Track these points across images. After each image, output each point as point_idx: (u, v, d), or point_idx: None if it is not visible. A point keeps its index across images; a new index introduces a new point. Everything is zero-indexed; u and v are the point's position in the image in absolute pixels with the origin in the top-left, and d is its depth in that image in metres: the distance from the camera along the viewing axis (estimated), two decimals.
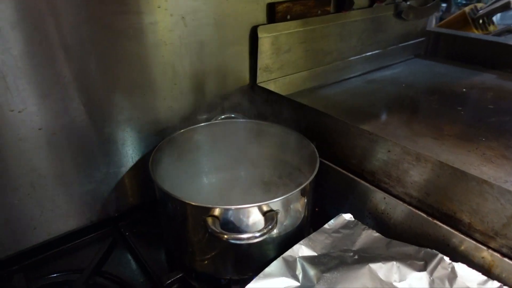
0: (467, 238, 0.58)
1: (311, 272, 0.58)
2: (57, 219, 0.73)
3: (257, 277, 0.56)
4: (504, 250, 0.55)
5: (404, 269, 0.57)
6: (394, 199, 0.67)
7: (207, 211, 0.56)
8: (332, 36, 0.99)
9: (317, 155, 0.69)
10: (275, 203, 0.58)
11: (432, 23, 1.49)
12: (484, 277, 0.55)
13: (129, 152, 0.78)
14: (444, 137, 0.74)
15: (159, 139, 0.77)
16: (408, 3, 1.12)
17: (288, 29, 0.89)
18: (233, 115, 0.84)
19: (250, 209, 0.57)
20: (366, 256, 0.61)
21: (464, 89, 0.99)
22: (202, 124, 0.79)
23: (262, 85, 0.90)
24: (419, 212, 0.63)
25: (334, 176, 0.76)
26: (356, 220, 0.69)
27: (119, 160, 0.77)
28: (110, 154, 0.75)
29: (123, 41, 0.68)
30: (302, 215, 0.67)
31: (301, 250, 0.62)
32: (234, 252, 0.63)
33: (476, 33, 1.45)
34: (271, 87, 0.91)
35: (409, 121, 0.83)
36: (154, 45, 0.72)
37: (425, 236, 0.63)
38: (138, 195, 0.83)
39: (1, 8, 0.56)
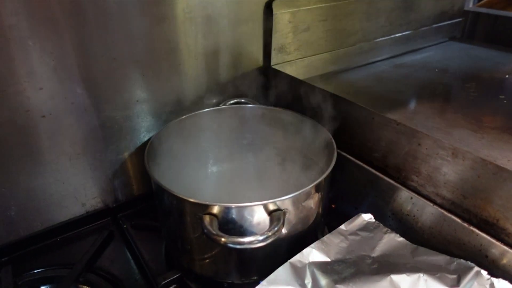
0: (511, 250, 0.49)
1: (322, 281, 0.51)
2: (50, 209, 0.68)
3: (259, 285, 0.49)
4: None
5: (433, 284, 0.49)
6: (423, 199, 0.58)
7: (204, 208, 0.50)
8: (357, 14, 0.90)
9: (335, 147, 0.62)
10: (283, 202, 0.51)
11: (470, 3, 1.36)
12: None
13: (130, 138, 0.72)
14: (484, 129, 0.64)
15: (162, 124, 0.71)
16: None
17: (307, 4, 0.81)
18: (243, 100, 0.78)
19: (254, 207, 0.50)
20: (388, 265, 0.53)
21: (507, 76, 0.88)
22: (207, 109, 0.73)
23: (276, 67, 0.82)
24: (453, 217, 0.54)
25: (353, 170, 0.68)
26: (377, 222, 0.61)
27: (119, 146, 0.71)
28: (109, 139, 0.70)
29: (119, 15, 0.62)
30: (315, 214, 0.59)
31: (312, 254, 0.54)
32: (237, 253, 0.56)
33: None
34: (287, 70, 0.84)
35: (443, 110, 0.73)
36: (155, 19, 0.65)
37: (458, 244, 0.54)
38: (141, 185, 0.78)
39: None
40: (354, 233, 0.59)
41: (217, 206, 0.49)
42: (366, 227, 0.60)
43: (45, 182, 0.66)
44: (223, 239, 0.46)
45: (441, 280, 0.49)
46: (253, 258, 0.57)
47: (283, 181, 0.72)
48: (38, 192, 0.66)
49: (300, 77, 0.81)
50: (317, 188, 0.56)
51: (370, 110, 0.64)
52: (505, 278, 0.48)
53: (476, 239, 0.52)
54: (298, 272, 0.51)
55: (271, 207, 0.50)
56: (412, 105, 0.77)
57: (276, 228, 0.48)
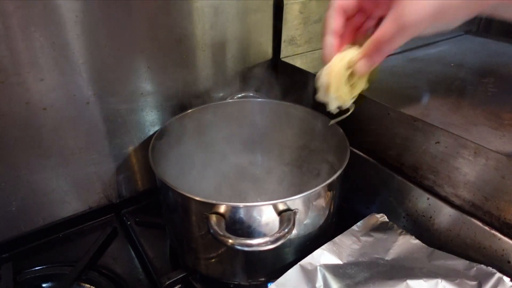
0: None
1: (334, 286, 0.48)
2: (51, 204, 0.66)
3: None
4: None
5: None
6: (440, 200, 0.56)
7: (211, 207, 0.47)
8: None
9: (348, 144, 0.59)
10: (294, 201, 0.48)
11: None
12: None
13: (134, 132, 0.70)
14: (504, 127, 0.61)
15: (167, 118, 0.69)
16: None
17: None
18: (251, 94, 0.75)
19: (263, 207, 0.48)
20: (403, 269, 0.51)
21: None
22: (214, 103, 0.70)
23: (286, 60, 0.79)
24: (472, 219, 0.51)
25: (366, 168, 0.66)
26: (391, 222, 0.58)
27: (123, 140, 0.69)
28: (113, 133, 0.67)
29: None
30: (327, 214, 0.56)
31: (324, 256, 0.52)
32: (244, 253, 0.53)
33: None
34: (297, 62, 0.81)
35: (460, 107, 0.70)
36: (161, 8, 0.62)
37: (478, 248, 0.51)
38: (146, 180, 0.76)
39: None
40: (367, 234, 0.56)
41: (224, 205, 0.47)
42: (379, 228, 0.57)
43: (46, 177, 0.64)
44: (230, 241, 0.44)
45: (460, 286, 0.47)
46: (261, 259, 0.54)
47: (293, 179, 0.69)
48: (40, 187, 0.64)
49: (311, 70, 0.78)
50: (329, 187, 0.53)
51: (385, 106, 0.61)
52: None
53: (497, 243, 0.49)
54: (309, 275, 0.49)
55: (281, 207, 0.48)
56: (427, 100, 0.74)
57: (286, 230, 0.45)
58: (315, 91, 0.72)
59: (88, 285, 0.60)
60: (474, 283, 0.47)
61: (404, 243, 0.55)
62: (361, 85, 0.51)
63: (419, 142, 0.57)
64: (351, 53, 0.48)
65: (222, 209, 0.47)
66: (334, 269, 0.50)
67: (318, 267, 0.50)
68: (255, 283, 0.56)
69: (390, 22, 0.42)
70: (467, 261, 0.50)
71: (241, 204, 0.47)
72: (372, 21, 0.52)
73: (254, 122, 0.72)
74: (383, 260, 0.52)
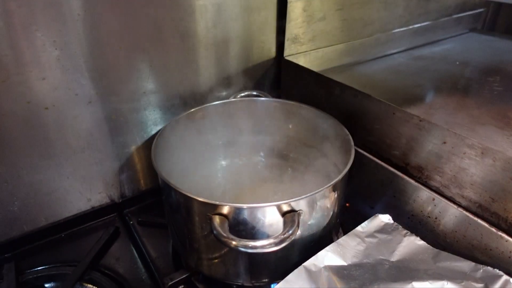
0: None
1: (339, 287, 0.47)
2: (54, 204, 0.66)
3: None
4: None
5: None
6: (446, 201, 0.55)
7: (214, 208, 0.46)
8: (375, 3, 0.86)
9: (352, 143, 0.58)
10: (298, 202, 0.47)
11: None
12: None
13: (137, 131, 0.69)
14: (511, 126, 0.60)
15: (170, 117, 0.68)
16: None
17: None
18: (255, 93, 0.75)
19: (267, 208, 0.47)
20: (408, 271, 0.50)
21: None
22: (217, 102, 0.69)
23: (290, 58, 0.79)
24: (479, 220, 0.51)
25: (371, 168, 0.65)
26: (396, 224, 0.57)
27: (126, 139, 0.69)
28: (115, 132, 0.67)
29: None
30: (331, 215, 0.56)
31: (328, 257, 0.51)
32: (248, 254, 0.53)
33: None
34: (301, 61, 0.80)
35: (465, 105, 0.69)
36: (163, 6, 0.61)
37: (484, 250, 0.51)
38: (148, 179, 0.76)
39: None
40: (371, 235, 0.56)
41: (227, 206, 0.46)
42: (384, 228, 0.57)
43: (49, 176, 0.64)
44: (234, 242, 0.43)
45: None
46: (264, 260, 0.54)
47: (296, 179, 0.69)
48: (42, 187, 0.64)
49: (314, 69, 0.77)
50: (334, 188, 0.53)
51: (390, 105, 0.60)
52: None
53: (504, 245, 0.48)
54: (313, 277, 0.48)
55: (285, 208, 0.47)
56: (432, 99, 0.73)
57: (290, 231, 0.45)
58: (319, 89, 0.71)
59: (90, 285, 0.59)
60: (480, 285, 0.46)
61: (409, 244, 0.54)
62: None
63: (425, 142, 0.56)
64: None
65: (225, 210, 0.46)
66: (338, 271, 0.50)
67: (322, 268, 0.49)
68: (258, 284, 0.55)
69: None
70: (473, 263, 0.49)
71: (244, 205, 0.46)
72: None
73: (257, 121, 0.71)
74: (388, 261, 0.52)
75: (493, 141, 0.56)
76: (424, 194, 0.57)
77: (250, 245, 0.43)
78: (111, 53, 0.60)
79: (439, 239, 0.56)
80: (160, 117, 0.70)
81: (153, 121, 0.70)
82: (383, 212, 0.59)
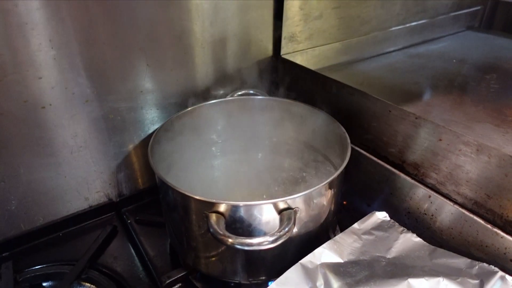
0: None
1: (335, 285, 0.48)
2: (51, 203, 0.66)
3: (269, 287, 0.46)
4: None
5: None
6: (442, 198, 0.55)
7: (211, 206, 0.47)
8: (372, 1, 0.86)
9: (349, 141, 0.58)
10: (294, 200, 0.48)
11: None
12: None
13: (134, 130, 0.69)
14: (507, 123, 0.61)
15: (167, 116, 0.68)
16: None
17: None
18: (252, 91, 0.75)
19: (263, 206, 0.47)
20: (404, 268, 0.50)
21: None
22: (214, 101, 0.69)
23: (287, 57, 0.79)
24: (475, 217, 0.51)
25: (367, 166, 0.65)
26: (392, 221, 0.58)
27: (123, 138, 0.69)
28: (112, 131, 0.67)
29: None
30: (327, 212, 0.56)
31: (324, 255, 0.52)
32: (245, 252, 0.53)
33: None
34: (298, 59, 0.80)
35: (462, 103, 0.69)
36: (160, 5, 0.61)
37: (480, 246, 0.51)
38: (146, 178, 0.76)
39: None
40: (368, 232, 0.56)
41: (224, 204, 0.46)
42: (380, 226, 0.57)
43: (46, 176, 0.64)
44: (230, 240, 0.43)
45: (462, 285, 0.46)
46: (261, 257, 0.54)
47: (293, 177, 0.69)
48: (40, 186, 0.64)
49: (311, 67, 0.78)
50: (330, 185, 0.53)
51: (386, 103, 0.60)
52: None
53: (500, 241, 0.49)
54: (310, 274, 0.49)
55: (282, 205, 0.47)
56: (429, 97, 0.73)
57: (287, 229, 0.45)
58: (316, 88, 0.71)
59: (88, 284, 0.60)
60: (476, 281, 0.47)
61: (406, 241, 0.54)
62: None
63: (421, 139, 0.56)
64: None
65: (222, 208, 0.46)
66: (334, 268, 0.50)
67: (319, 266, 0.49)
68: (255, 281, 0.56)
69: None
70: (469, 260, 0.50)
71: (241, 203, 0.47)
72: None
73: (254, 119, 0.71)
74: (384, 258, 0.52)
75: (489, 138, 0.56)
76: (421, 191, 0.58)
77: (246, 243, 0.43)
78: (108, 52, 0.60)
79: (436, 236, 0.56)
80: (157, 116, 0.70)
81: (150, 120, 0.70)
82: (380, 209, 0.59)
